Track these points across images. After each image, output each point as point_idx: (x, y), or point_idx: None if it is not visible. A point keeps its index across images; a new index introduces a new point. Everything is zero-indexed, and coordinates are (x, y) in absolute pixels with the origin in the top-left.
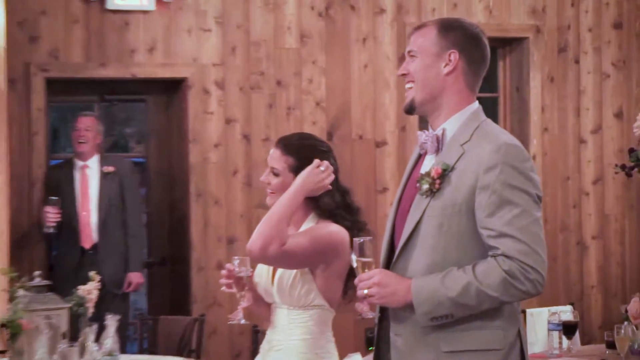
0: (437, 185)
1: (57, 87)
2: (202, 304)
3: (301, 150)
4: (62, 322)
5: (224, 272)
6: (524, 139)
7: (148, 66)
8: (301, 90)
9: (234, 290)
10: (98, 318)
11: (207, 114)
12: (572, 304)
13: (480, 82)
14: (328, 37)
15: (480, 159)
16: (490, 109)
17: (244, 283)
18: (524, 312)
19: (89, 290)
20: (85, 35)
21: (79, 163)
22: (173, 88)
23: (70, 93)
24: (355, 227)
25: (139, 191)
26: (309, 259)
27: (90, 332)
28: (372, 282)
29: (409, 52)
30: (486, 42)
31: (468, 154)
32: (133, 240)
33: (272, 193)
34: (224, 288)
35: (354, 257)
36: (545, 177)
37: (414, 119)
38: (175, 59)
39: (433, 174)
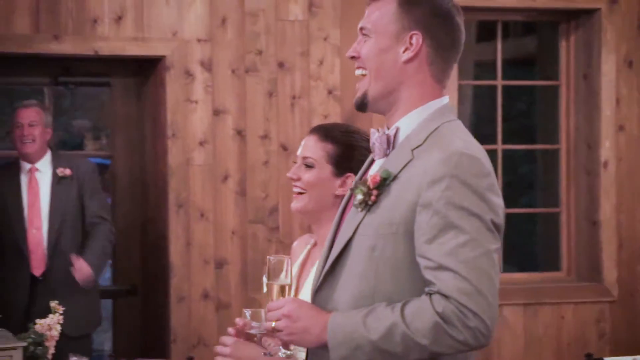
0: (373, 197)
1: None
2: (183, 344)
3: (344, 137)
4: None
5: (230, 330)
6: (593, 140)
7: (114, 40)
8: (309, 74)
9: None
10: None
11: (190, 102)
12: None
13: (450, 71)
14: (344, 7)
15: (425, 169)
16: (550, 101)
17: (256, 342)
18: None
19: (50, 325)
20: (33, 1)
21: (26, 166)
22: (146, 69)
23: (13, 73)
24: None
25: (105, 198)
26: None
27: None
28: (281, 312)
29: (361, 29)
30: (460, 21)
31: (416, 162)
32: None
33: (299, 194)
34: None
35: (265, 279)
36: (621, 191)
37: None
38: (150, 32)
39: (369, 182)
